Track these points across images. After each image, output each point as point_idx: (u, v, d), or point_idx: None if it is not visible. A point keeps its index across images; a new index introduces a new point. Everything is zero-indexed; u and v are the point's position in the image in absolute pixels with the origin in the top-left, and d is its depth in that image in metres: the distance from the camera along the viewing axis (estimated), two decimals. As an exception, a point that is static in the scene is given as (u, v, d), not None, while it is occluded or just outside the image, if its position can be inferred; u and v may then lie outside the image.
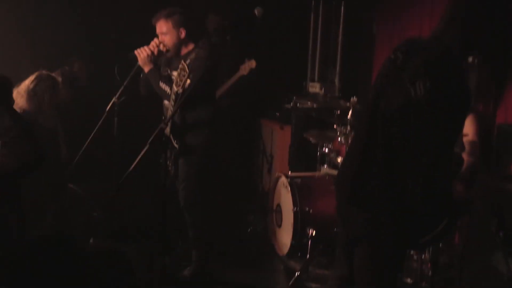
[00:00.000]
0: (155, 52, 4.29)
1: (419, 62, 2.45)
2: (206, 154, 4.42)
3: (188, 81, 3.83)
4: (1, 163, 2.64)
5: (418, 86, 2.38)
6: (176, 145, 4.27)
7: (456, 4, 2.52)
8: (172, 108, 4.12)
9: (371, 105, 2.59)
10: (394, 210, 2.48)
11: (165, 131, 4.14)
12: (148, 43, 4.32)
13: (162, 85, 4.27)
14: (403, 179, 2.44)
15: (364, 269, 2.64)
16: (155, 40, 4.33)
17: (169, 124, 4.07)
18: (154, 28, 4.35)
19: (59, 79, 4.58)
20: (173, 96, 4.08)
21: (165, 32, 4.29)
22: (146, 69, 4.31)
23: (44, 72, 4.27)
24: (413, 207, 2.44)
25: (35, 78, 4.17)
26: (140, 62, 4.30)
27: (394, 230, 2.50)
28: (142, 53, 4.28)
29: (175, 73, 4.16)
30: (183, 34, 4.31)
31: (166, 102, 4.40)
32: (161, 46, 4.31)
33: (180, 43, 4.33)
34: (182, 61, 3.98)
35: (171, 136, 4.26)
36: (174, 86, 4.03)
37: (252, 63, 5.85)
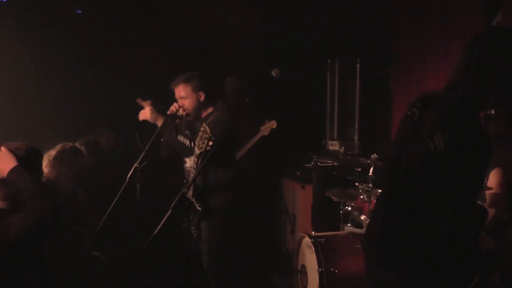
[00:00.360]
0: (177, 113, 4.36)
1: (436, 115, 2.47)
2: (228, 216, 4.42)
3: (210, 143, 3.86)
4: (19, 221, 2.68)
5: (437, 139, 2.40)
6: (199, 208, 4.27)
7: (468, 53, 2.52)
8: (194, 171, 4.13)
9: (392, 162, 2.60)
10: (421, 267, 2.44)
11: (187, 194, 4.16)
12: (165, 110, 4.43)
13: (180, 138, 4.33)
14: (428, 233, 2.41)
15: None
16: (175, 104, 4.40)
17: (191, 187, 4.08)
18: (164, 94, 4.43)
19: (82, 148, 4.66)
20: (195, 159, 4.10)
21: (184, 97, 4.37)
22: (159, 122, 4.37)
23: (68, 143, 4.34)
24: (440, 262, 2.39)
25: (59, 149, 4.25)
26: (151, 120, 4.36)
27: None
28: (145, 112, 4.38)
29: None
30: (202, 97, 4.39)
31: (187, 165, 4.43)
32: (181, 110, 4.37)
33: (199, 107, 4.40)
34: (204, 124, 4.03)
35: (194, 199, 4.26)
36: (196, 149, 4.07)
37: (273, 124, 5.91)
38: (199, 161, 4.04)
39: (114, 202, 4.20)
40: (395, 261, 2.52)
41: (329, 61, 7.00)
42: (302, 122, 6.89)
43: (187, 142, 4.32)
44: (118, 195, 4.30)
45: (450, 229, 2.37)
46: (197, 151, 4.03)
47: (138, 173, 4.44)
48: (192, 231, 4.35)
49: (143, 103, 4.46)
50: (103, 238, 4.43)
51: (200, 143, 3.94)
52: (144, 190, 4.56)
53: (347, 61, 6.95)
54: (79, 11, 6.41)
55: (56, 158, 4.19)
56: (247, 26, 6.64)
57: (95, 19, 6.33)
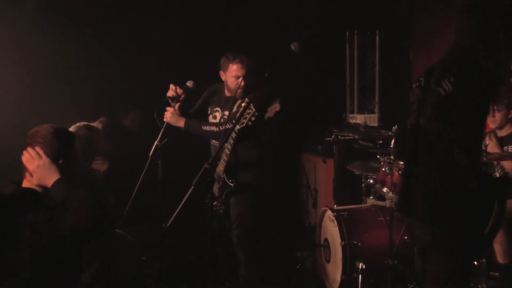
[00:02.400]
0: (179, 94, 4.45)
1: (441, 65, 2.77)
2: (258, 190, 4.53)
3: (253, 118, 3.93)
4: (71, 224, 2.68)
5: (445, 84, 2.67)
6: (231, 184, 4.38)
7: (463, 13, 2.82)
8: (228, 147, 4.22)
9: (411, 127, 2.86)
10: (443, 205, 2.69)
11: (217, 170, 4.33)
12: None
13: (206, 128, 4.39)
14: (448, 168, 2.67)
15: (438, 271, 2.78)
16: (171, 87, 4.47)
17: (224, 163, 4.26)
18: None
19: (99, 127, 4.69)
20: (233, 134, 4.14)
21: (240, 76, 4.41)
22: (181, 124, 4.47)
23: (81, 123, 4.32)
24: (460, 194, 2.65)
25: (76, 129, 4.23)
26: (172, 123, 4.47)
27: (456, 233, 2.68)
28: (167, 115, 4.48)
29: (227, 113, 4.38)
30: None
31: (214, 141, 4.49)
32: (178, 90, 4.45)
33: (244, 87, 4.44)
34: (246, 99, 4.11)
35: (225, 175, 4.37)
36: (238, 126, 4.06)
37: (276, 106, 5.85)
38: (236, 137, 4.12)
39: (139, 183, 4.24)
40: (419, 206, 2.79)
41: (347, 33, 6.94)
42: (322, 96, 6.87)
43: (214, 128, 4.39)
44: (142, 174, 4.35)
45: (467, 158, 2.64)
46: (237, 127, 4.04)
47: (159, 151, 4.47)
48: (218, 208, 4.44)
49: (169, 108, 4.54)
50: (128, 217, 4.48)
51: (242, 119, 3.95)
52: (166, 167, 4.59)
53: (366, 33, 6.89)
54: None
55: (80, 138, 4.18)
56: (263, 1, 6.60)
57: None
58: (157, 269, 4.47)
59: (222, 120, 4.51)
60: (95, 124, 4.76)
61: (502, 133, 4.79)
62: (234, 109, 4.37)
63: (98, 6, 6.24)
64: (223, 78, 4.55)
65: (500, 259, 4.56)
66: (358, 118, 6.61)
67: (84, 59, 6.05)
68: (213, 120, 4.60)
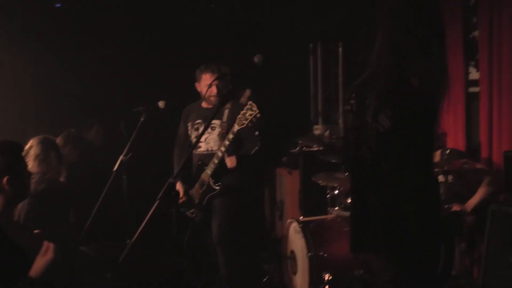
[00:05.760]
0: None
1: (372, 98, 2.58)
2: (241, 193, 4.77)
3: (254, 120, 4.22)
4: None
5: (382, 120, 2.51)
6: (216, 188, 4.55)
7: (381, 30, 2.68)
8: (220, 151, 4.45)
9: (354, 157, 2.72)
10: (392, 240, 2.57)
11: (203, 175, 4.55)
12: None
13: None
14: (395, 206, 2.55)
15: None
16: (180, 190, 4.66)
17: (212, 166, 4.48)
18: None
19: (61, 141, 4.64)
20: (229, 136, 4.37)
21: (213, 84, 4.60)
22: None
23: (40, 136, 4.24)
24: (409, 230, 2.54)
25: (33, 142, 4.15)
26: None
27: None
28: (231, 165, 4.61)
29: (215, 121, 4.59)
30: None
31: (202, 149, 4.72)
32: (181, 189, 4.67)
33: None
34: (250, 102, 4.29)
35: (210, 179, 4.54)
36: (236, 125, 4.31)
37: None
38: (233, 139, 4.36)
39: (101, 197, 4.18)
40: (370, 242, 2.67)
41: (311, 45, 7.00)
42: (286, 108, 6.88)
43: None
44: (106, 189, 4.29)
45: (415, 195, 2.53)
46: (236, 127, 4.29)
47: (124, 166, 4.43)
48: (195, 215, 4.64)
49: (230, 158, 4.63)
50: (92, 233, 4.41)
51: (243, 119, 4.21)
52: (131, 182, 4.55)
53: (329, 44, 6.96)
54: (58, 5, 6.34)
55: (40, 152, 4.10)
56: (228, 12, 6.62)
57: (75, 12, 6.28)
58: (123, 287, 4.40)
59: (211, 129, 4.69)
60: (59, 139, 4.70)
61: None
62: (224, 118, 4.64)
63: (58, 20, 6.19)
64: (199, 90, 4.80)
65: None
66: (323, 129, 6.64)
67: (46, 72, 5.98)
68: (196, 133, 4.75)
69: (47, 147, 4.13)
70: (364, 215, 2.69)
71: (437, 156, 4.82)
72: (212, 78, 4.59)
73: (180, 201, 4.62)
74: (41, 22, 6.16)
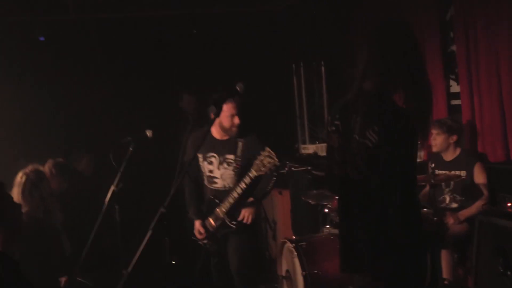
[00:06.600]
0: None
1: (357, 110, 2.69)
2: (254, 226, 4.79)
3: (273, 168, 4.32)
4: None
5: (369, 135, 2.63)
6: (232, 225, 4.54)
7: (368, 49, 2.75)
8: (237, 191, 4.43)
9: (340, 176, 2.81)
10: (379, 257, 2.65)
11: (218, 211, 4.53)
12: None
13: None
14: (381, 222, 2.63)
15: None
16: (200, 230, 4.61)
17: (228, 205, 4.47)
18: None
19: (48, 170, 4.64)
20: (246, 179, 4.37)
21: (234, 113, 4.52)
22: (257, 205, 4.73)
23: (28, 168, 4.25)
24: (395, 245, 2.62)
25: (23, 176, 4.16)
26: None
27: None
28: (249, 218, 4.60)
29: (230, 156, 4.54)
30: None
31: (218, 185, 4.65)
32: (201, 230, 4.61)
33: None
34: (269, 149, 4.32)
35: (226, 216, 4.52)
36: (253, 170, 4.32)
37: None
38: (249, 184, 4.36)
39: (95, 228, 4.21)
40: (358, 262, 2.76)
41: (294, 65, 7.09)
42: (273, 129, 6.96)
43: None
44: (99, 219, 4.31)
45: (401, 209, 2.60)
46: (254, 173, 4.31)
47: (116, 196, 4.46)
48: (209, 246, 4.62)
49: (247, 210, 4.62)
50: (87, 263, 4.43)
51: (262, 167, 4.27)
52: (123, 211, 4.58)
53: (312, 63, 7.05)
54: (42, 39, 6.41)
55: (25, 187, 4.10)
56: (210, 39, 6.71)
57: (60, 45, 6.36)
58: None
59: (227, 164, 4.60)
60: (47, 167, 4.71)
61: (448, 157, 4.92)
62: (239, 152, 4.56)
63: (45, 52, 6.26)
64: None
65: (445, 274, 4.67)
66: (310, 148, 6.72)
67: (35, 104, 6.03)
68: (210, 166, 4.65)
69: (32, 182, 4.13)
70: (352, 234, 2.78)
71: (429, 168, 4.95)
72: (235, 109, 4.50)
73: (201, 236, 4.59)
74: (27, 55, 6.23)
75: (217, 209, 4.55)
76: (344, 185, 2.81)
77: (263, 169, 4.26)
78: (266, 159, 4.25)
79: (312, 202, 5.23)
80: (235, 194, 4.45)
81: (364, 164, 2.66)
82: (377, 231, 2.65)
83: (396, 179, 2.62)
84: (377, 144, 2.61)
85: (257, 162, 4.31)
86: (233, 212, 4.55)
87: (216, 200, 4.57)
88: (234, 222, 4.55)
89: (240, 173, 4.53)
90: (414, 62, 2.69)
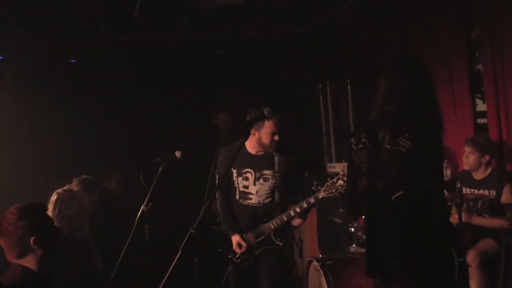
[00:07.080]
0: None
1: (384, 125, 2.93)
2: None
3: (342, 190, 4.31)
4: None
5: (402, 141, 2.86)
6: (278, 243, 4.53)
7: (391, 75, 3.05)
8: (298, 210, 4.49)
9: (365, 188, 3.00)
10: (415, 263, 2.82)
11: (265, 226, 4.52)
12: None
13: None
14: (417, 216, 2.83)
15: None
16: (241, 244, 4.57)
17: (277, 224, 4.48)
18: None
19: (75, 188, 4.73)
20: (312, 200, 4.47)
21: (275, 131, 4.50)
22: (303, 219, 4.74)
23: (59, 190, 4.35)
24: (433, 232, 2.82)
25: (55, 195, 4.27)
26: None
27: None
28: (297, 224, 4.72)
29: (268, 172, 4.53)
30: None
31: (253, 201, 4.60)
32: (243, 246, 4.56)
33: None
34: (341, 170, 4.51)
35: (272, 234, 4.51)
36: (322, 192, 4.44)
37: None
38: (312, 202, 4.47)
39: (126, 246, 4.29)
40: (390, 266, 2.88)
41: (320, 85, 7.15)
42: (300, 148, 7.00)
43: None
44: (129, 239, 4.39)
45: (437, 211, 2.83)
46: (322, 194, 4.42)
47: (145, 215, 4.54)
48: (246, 262, 4.55)
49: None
50: (117, 282, 4.52)
51: (332, 188, 4.36)
52: (153, 231, 4.66)
53: (339, 82, 7.10)
54: (73, 61, 6.58)
55: (59, 210, 4.21)
56: (240, 60, 6.81)
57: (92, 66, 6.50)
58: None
59: (264, 180, 4.58)
60: (72, 185, 4.81)
61: (478, 176, 4.92)
62: (276, 167, 4.55)
63: (76, 74, 6.41)
64: (252, 134, 4.54)
65: None
66: (337, 167, 6.74)
67: (66, 124, 6.16)
68: (245, 182, 4.62)
69: (62, 201, 4.23)
70: (377, 243, 2.94)
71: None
72: (276, 127, 4.48)
73: (241, 251, 4.53)
74: (60, 76, 6.39)
75: (263, 225, 4.52)
76: (371, 195, 2.98)
77: (333, 191, 4.29)
78: (340, 181, 4.26)
79: (339, 221, 5.26)
80: (291, 213, 4.47)
81: (396, 172, 2.86)
82: (410, 237, 2.83)
83: (428, 182, 2.83)
84: (410, 149, 2.82)
85: (327, 183, 4.36)
86: (281, 231, 4.56)
87: (264, 217, 4.54)
88: (280, 239, 4.53)
89: (278, 189, 4.55)
90: (425, 91, 2.98)
